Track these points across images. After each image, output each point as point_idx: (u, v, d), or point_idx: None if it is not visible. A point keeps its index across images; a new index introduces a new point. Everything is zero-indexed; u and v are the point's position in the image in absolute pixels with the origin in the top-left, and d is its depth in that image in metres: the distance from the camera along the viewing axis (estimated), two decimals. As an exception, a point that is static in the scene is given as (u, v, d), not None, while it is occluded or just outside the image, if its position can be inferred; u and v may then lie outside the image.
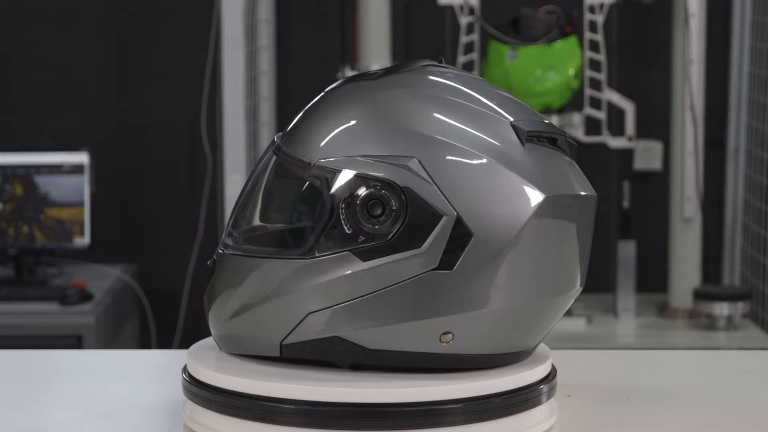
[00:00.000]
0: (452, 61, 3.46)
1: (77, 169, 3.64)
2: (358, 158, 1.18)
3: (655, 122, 3.75)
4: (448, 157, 1.17)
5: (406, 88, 1.22)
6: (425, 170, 1.17)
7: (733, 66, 3.83)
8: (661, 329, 3.40)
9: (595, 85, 3.44)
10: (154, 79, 3.99)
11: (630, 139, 3.45)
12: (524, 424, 1.21)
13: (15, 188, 3.65)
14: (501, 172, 1.18)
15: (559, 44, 3.37)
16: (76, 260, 3.74)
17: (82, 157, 3.64)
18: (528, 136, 1.20)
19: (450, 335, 1.18)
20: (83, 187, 3.64)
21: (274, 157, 1.24)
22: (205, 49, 3.77)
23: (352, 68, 3.51)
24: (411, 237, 1.16)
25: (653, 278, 3.70)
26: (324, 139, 1.20)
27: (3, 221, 3.65)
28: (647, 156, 3.85)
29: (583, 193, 1.24)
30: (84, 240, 3.63)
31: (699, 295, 3.36)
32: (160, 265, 3.98)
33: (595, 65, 3.43)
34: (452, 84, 1.24)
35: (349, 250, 1.17)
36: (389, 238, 1.16)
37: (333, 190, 1.18)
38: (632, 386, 1.43)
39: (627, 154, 3.80)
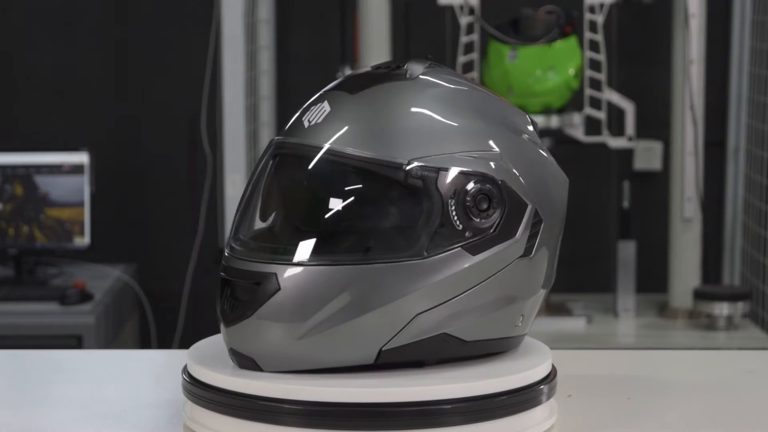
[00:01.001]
0: (452, 61, 3.46)
1: (77, 169, 3.64)
2: (456, 155, 1.21)
3: (655, 122, 3.75)
4: (519, 148, 1.26)
5: (448, 85, 1.30)
6: (510, 163, 1.23)
7: (733, 66, 3.83)
8: (661, 329, 3.40)
9: (595, 85, 3.43)
10: (154, 79, 3.99)
11: (630, 139, 3.45)
12: (524, 424, 1.21)
13: (15, 188, 3.65)
14: (547, 160, 1.28)
15: (559, 44, 3.37)
16: (76, 260, 3.74)
17: (82, 157, 3.64)
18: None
19: (522, 317, 1.25)
20: (83, 187, 3.64)
21: (331, 163, 1.20)
22: (205, 49, 3.77)
23: (352, 68, 3.51)
24: (508, 228, 1.22)
25: (653, 278, 3.70)
26: (410, 139, 1.21)
27: (3, 221, 3.65)
28: (647, 156, 3.85)
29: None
30: (84, 240, 3.63)
31: (699, 295, 3.36)
32: (160, 265, 3.98)
33: (595, 65, 3.43)
34: (467, 81, 1.35)
35: (460, 246, 1.19)
36: (492, 230, 1.21)
37: (439, 188, 1.19)
38: (632, 386, 1.43)
39: (627, 154, 3.80)
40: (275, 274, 1.18)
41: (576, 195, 4.19)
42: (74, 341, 3.34)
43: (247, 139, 3.47)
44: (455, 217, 1.19)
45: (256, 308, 1.18)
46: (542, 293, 1.28)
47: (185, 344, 2.22)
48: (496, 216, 1.21)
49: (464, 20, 3.41)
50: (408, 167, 1.18)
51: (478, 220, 1.20)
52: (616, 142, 3.46)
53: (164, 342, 3.86)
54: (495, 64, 3.38)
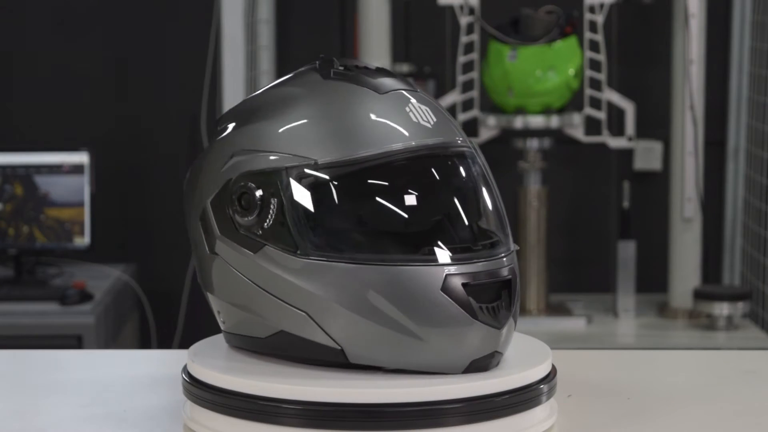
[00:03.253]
0: (452, 61, 3.46)
1: (77, 169, 3.64)
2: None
3: (655, 122, 3.75)
4: None
5: None
6: None
7: (733, 66, 3.83)
8: (661, 329, 3.40)
9: (595, 85, 3.44)
10: (154, 79, 3.99)
11: (630, 139, 3.45)
12: (524, 424, 1.21)
13: (15, 188, 3.65)
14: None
15: (559, 44, 3.37)
16: (76, 260, 3.74)
17: (82, 157, 3.64)
18: None
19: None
20: (83, 187, 3.64)
21: (474, 157, 1.25)
22: (205, 49, 3.77)
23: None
24: None
25: (653, 278, 3.70)
26: (457, 125, 1.27)
27: (3, 221, 3.65)
28: (647, 156, 3.85)
29: None
30: (84, 240, 3.63)
31: (699, 295, 3.36)
32: (160, 265, 3.98)
33: (595, 65, 3.43)
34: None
35: None
36: None
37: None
38: (632, 386, 1.43)
39: (627, 154, 3.80)
40: (513, 268, 1.22)
41: (576, 195, 4.20)
42: (74, 341, 3.34)
43: (247, 139, 3.46)
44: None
45: (513, 305, 1.22)
46: None
47: (185, 344, 2.22)
48: None
49: (464, 20, 3.41)
50: (473, 150, 1.28)
51: None
52: (616, 142, 3.46)
53: (164, 342, 3.86)
54: (495, 64, 3.38)
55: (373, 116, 1.21)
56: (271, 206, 1.19)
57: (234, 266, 1.22)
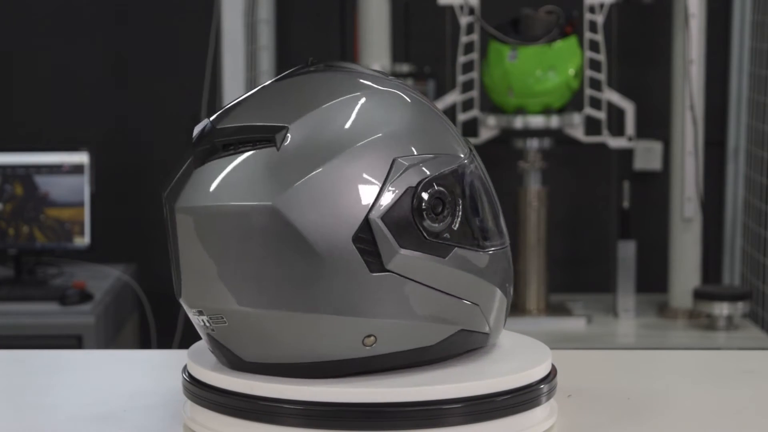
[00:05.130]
0: (452, 61, 3.46)
1: (77, 169, 3.64)
2: None
3: (655, 122, 3.75)
4: None
5: None
6: None
7: (733, 66, 3.83)
8: (661, 329, 3.40)
9: (595, 85, 3.44)
10: (154, 79, 3.99)
11: (630, 139, 3.45)
12: (524, 424, 1.21)
13: (15, 188, 3.65)
14: None
15: (559, 44, 3.37)
16: (76, 260, 3.74)
17: (82, 157, 3.64)
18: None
19: None
20: (83, 187, 3.64)
21: (473, 158, 1.25)
22: (205, 49, 3.77)
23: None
24: None
25: (653, 278, 3.70)
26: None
27: (3, 221, 3.65)
28: (647, 156, 3.85)
29: (166, 198, 1.24)
30: (84, 240, 3.63)
31: (699, 295, 3.36)
32: (160, 265, 3.96)
33: (595, 65, 3.43)
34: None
35: None
36: None
37: None
38: (632, 386, 1.43)
39: (627, 154, 3.80)
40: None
41: (576, 195, 4.21)
42: (74, 341, 3.34)
43: (247, 139, 3.46)
44: None
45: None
46: None
47: (185, 344, 2.22)
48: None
49: (464, 20, 3.41)
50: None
51: None
52: (616, 142, 3.46)
53: (164, 342, 3.86)
54: (495, 64, 3.38)
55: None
56: (458, 207, 1.20)
57: (415, 278, 1.17)
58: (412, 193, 1.17)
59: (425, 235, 1.17)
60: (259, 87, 1.24)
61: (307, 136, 1.17)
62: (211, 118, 1.21)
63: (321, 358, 1.17)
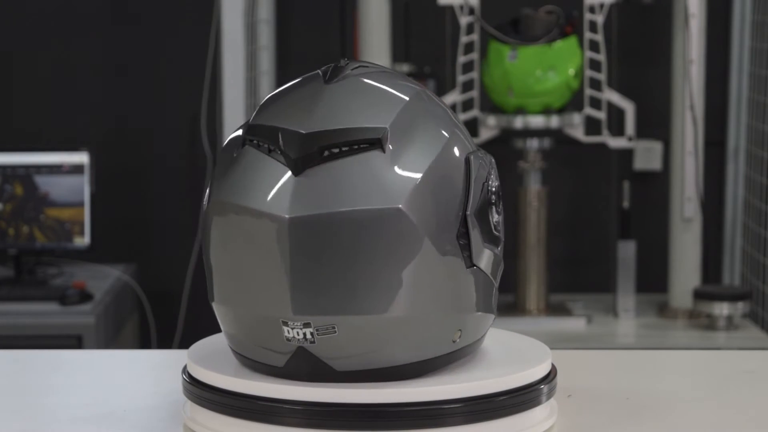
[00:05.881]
0: (452, 61, 3.46)
1: (77, 169, 3.64)
2: None
3: (655, 122, 3.75)
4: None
5: None
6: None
7: (733, 66, 3.83)
8: (661, 329, 3.40)
9: (595, 85, 3.44)
10: (154, 79, 3.99)
11: (630, 139, 3.45)
12: (524, 424, 1.21)
13: (15, 188, 3.65)
14: (215, 169, 1.24)
15: (559, 44, 3.37)
16: (76, 260, 3.74)
17: (82, 157, 3.64)
18: (246, 139, 1.20)
19: None
20: (83, 187, 3.64)
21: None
22: (205, 49, 3.77)
23: (352, 68, 3.50)
24: None
25: (653, 278, 3.70)
26: None
27: (3, 221, 3.65)
28: (647, 156, 3.85)
29: (253, 207, 1.16)
30: (84, 240, 3.63)
31: (699, 295, 3.36)
32: (160, 265, 3.98)
33: (595, 65, 3.43)
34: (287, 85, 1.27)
35: None
36: None
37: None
38: (632, 386, 1.43)
39: (627, 154, 3.80)
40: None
41: (576, 195, 4.21)
42: (74, 341, 3.34)
43: (247, 139, 3.46)
44: None
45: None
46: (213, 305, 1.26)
47: (185, 344, 2.22)
48: None
49: (464, 20, 3.41)
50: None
51: None
52: (616, 142, 3.46)
53: (164, 342, 3.86)
54: (495, 64, 3.38)
55: None
56: (501, 198, 1.23)
57: (486, 270, 1.20)
58: (486, 187, 1.20)
59: (493, 228, 1.20)
60: (310, 89, 1.21)
61: (403, 137, 1.17)
62: (275, 125, 1.18)
63: (415, 358, 1.18)
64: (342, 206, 1.13)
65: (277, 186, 1.15)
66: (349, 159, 1.15)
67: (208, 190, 1.23)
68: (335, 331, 1.15)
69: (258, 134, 1.19)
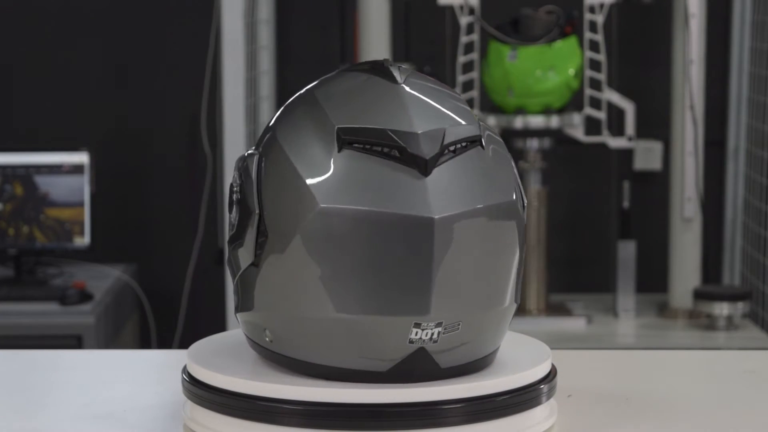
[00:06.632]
0: (452, 61, 3.46)
1: (77, 169, 3.64)
2: (248, 151, 1.23)
3: (655, 122, 3.75)
4: (270, 157, 1.19)
5: (307, 89, 1.25)
6: (258, 168, 1.19)
7: (733, 66, 3.83)
8: (661, 329, 3.40)
9: (595, 85, 3.44)
10: (154, 79, 3.99)
11: (630, 139, 3.45)
12: (524, 424, 1.21)
13: (15, 188, 3.65)
14: (295, 176, 1.16)
15: (559, 44, 3.37)
16: (76, 260, 3.74)
17: (82, 157, 3.64)
18: (348, 143, 1.16)
19: (269, 332, 1.20)
20: (83, 187, 3.64)
21: None
22: (205, 49, 3.77)
23: (352, 68, 3.50)
24: (241, 231, 1.20)
25: (653, 278, 3.70)
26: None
27: (3, 221, 3.65)
28: (647, 156, 3.85)
29: (395, 212, 1.14)
30: (84, 240, 3.63)
31: (699, 295, 3.36)
32: (160, 265, 3.98)
33: (595, 65, 3.43)
34: (337, 86, 1.23)
35: (229, 236, 1.23)
36: (234, 229, 1.22)
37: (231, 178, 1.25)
38: (632, 386, 1.43)
39: (627, 154, 3.80)
40: None
41: (576, 195, 4.21)
42: (74, 341, 3.34)
43: (247, 139, 3.47)
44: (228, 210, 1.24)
45: None
46: (297, 317, 1.17)
47: (185, 344, 2.22)
48: (233, 215, 1.21)
49: (464, 20, 3.41)
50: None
51: (229, 215, 1.23)
52: (616, 142, 3.46)
53: (164, 342, 3.86)
54: (495, 64, 3.38)
55: None
56: None
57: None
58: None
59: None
60: (381, 89, 1.20)
61: (487, 134, 1.21)
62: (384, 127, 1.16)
63: (496, 345, 1.23)
64: (478, 202, 1.16)
65: (413, 188, 1.14)
66: (463, 156, 1.17)
67: (296, 198, 1.16)
68: (458, 328, 1.17)
69: (364, 136, 1.16)
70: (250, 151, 1.21)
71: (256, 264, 1.18)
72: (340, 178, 1.15)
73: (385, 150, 1.15)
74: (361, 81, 1.21)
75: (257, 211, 1.18)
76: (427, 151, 1.15)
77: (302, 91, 1.25)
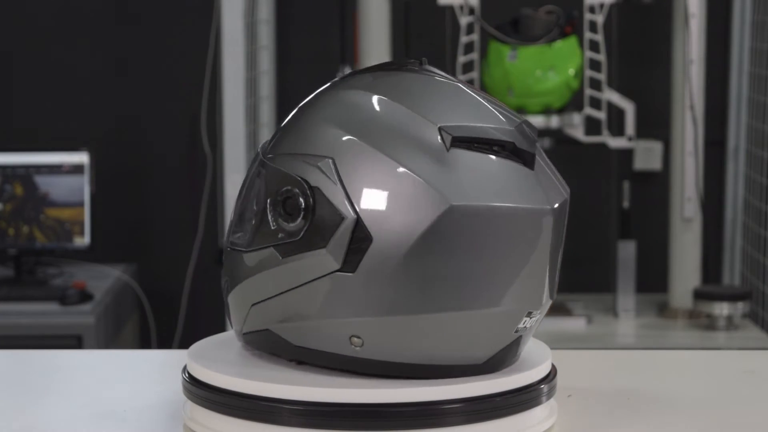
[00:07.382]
0: (452, 61, 3.46)
1: (77, 169, 3.64)
2: (283, 155, 1.20)
3: (655, 122, 3.75)
4: (359, 160, 1.16)
5: (351, 89, 1.22)
6: (336, 171, 1.16)
7: (733, 66, 3.83)
8: (661, 329, 3.40)
9: (595, 85, 3.44)
10: (154, 79, 3.99)
11: (630, 139, 3.45)
12: (524, 424, 1.21)
13: (15, 188, 3.65)
14: (407, 177, 1.15)
15: (559, 44, 3.37)
16: (76, 260, 3.75)
17: (82, 157, 3.64)
18: (456, 142, 1.16)
19: (359, 339, 1.18)
20: (83, 187, 3.64)
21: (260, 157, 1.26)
22: (205, 49, 3.77)
23: (352, 68, 3.51)
24: (317, 237, 1.16)
25: (653, 278, 3.70)
26: (274, 136, 1.24)
27: (3, 221, 3.65)
28: (647, 156, 3.85)
29: (521, 206, 1.17)
30: (84, 240, 3.63)
31: (699, 295, 3.36)
32: (160, 265, 3.98)
33: (595, 65, 3.43)
34: (399, 86, 1.24)
35: (273, 246, 1.19)
36: (299, 236, 1.17)
37: (267, 185, 1.20)
38: (632, 386, 1.43)
39: (627, 154, 3.80)
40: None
41: (576, 195, 4.20)
42: (74, 341, 3.34)
43: (247, 139, 3.47)
44: (270, 216, 1.19)
45: None
46: (393, 319, 1.16)
47: (185, 344, 2.22)
48: (302, 221, 1.17)
49: (464, 20, 3.41)
50: (259, 161, 1.22)
51: (284, 222, 1.18)
52: (616, 142, 3.46)
53: (164, 342, 3.86)
54: (495, 64, 3.38)
55: None
56: None
57: None
58: None
59: None
60: (443, 88, 1.24)
61: None
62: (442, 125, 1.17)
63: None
64: (566, 192, 1.24)
65: (526, 181, 1.18)
66: (540, 149, 1.22)
67: (418, 199, 1.15)
68: (539, 315, 1.23)
69: (471, 134, 1.17)
70: (309, 158, 1.17)
71: (350, 270, 1.15)
72: (461, 176, 1.15)
73: (494, 147, 1.18)
74: (421, 79, 1.26)
75: (353, 216, 1.15)
76: (528, 145, 1.19)
77: (351, 90, 1.22)
